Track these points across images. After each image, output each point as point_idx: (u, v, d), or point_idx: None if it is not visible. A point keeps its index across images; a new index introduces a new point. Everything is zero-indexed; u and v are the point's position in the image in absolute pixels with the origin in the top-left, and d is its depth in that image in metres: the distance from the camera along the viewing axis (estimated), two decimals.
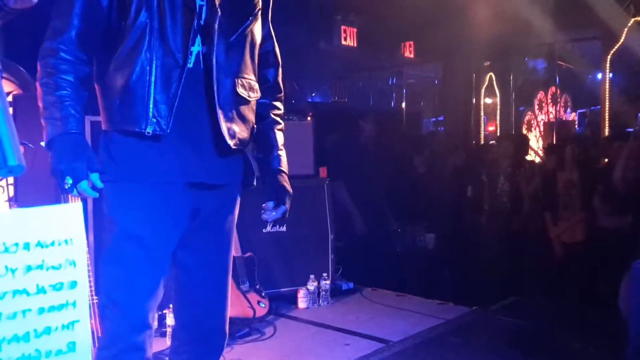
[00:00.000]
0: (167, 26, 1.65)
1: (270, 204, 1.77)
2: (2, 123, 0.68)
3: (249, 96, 1.77)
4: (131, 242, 1.58)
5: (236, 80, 1.73)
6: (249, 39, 1.79)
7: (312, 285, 3.64)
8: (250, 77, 1.79)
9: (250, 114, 1.79)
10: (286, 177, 1.85)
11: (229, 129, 1.69)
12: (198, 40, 1.69)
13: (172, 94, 1.62)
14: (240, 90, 1.74)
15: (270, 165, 1.86)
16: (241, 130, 1.74)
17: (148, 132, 1.60)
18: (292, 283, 3.69)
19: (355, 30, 6.26)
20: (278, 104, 1.94)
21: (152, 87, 1.62)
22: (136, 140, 1.62)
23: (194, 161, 1.66)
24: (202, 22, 1.69)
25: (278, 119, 1.94)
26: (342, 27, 6.19)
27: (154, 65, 1.62)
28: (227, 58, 1.71)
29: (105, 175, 1.54)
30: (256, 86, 1.82)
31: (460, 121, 7.42)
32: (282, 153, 1.88)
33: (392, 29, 6.37)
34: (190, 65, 1.66)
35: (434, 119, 8.17)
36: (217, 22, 1.68)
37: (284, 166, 1.86)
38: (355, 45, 6.27)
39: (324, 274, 3.69)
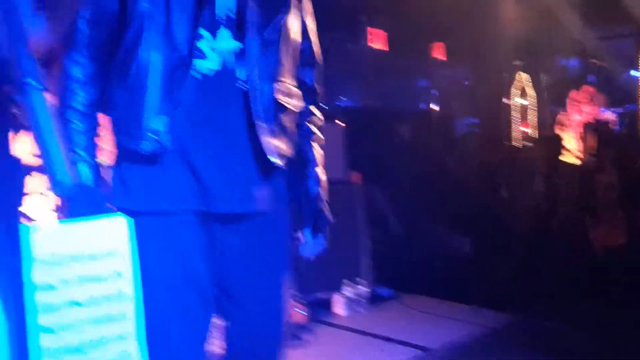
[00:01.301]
0: (173, 18, 1.38)
1: (307, 233, 1.58)
2: (51, 138, 0.67)
3: (288, 104, 1.53)
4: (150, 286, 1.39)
5: (275, 84, 1.49)
6: (286, 34, 1.54)
7: (348, 291, 3.62)
8: (290, 81, 1.55)
9: (291, 124, 1.55)
10: (325, 203, 1.63)
11: (270, 145, 1.45)
12: (225, 35, 1.43)
13: (176, 102, 1.36)
14: (279, 96, 1.49)
15: (306, 184, 1.63)
16: (286, 146, 1.50)
17: (145, 151, 1.36)
18: (327, 288, 3.66)
19: (383, 32, 6.21)
20: (315, 109, 1.69)
21: (151, 94, 1.36)
22: (139, 161, 1.38)
23: (213, 185, 1.40)
24: (231, 15, 1.44)
25: (314, 128, 1.68)
26: (369, 29, 6.15)
27: (153, 67, 1.37)
28: (264, 58, 1.46)
29: (115, 201, 1.39)
30: (297, 92, 1.58)
31: (492, 122, 7.32)
32: (320, 171, 1.64)
33: (421, 30, 6.30)
34: (217, 67, 1.41)
35: (466, 121, 8.06)
36: (249, 13, 1.43)
37: (323, 187, 1.63)
38: (383, 47, 6.23)
39: (360, 280, 3.67)
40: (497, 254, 4.33)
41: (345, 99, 6.51)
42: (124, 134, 1.38)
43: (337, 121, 4.16)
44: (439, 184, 5.05)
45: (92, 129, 1.42)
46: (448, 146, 5.64)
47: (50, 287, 1.38)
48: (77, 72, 1.41)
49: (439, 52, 7.09)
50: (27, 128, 0.98)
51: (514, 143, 7.38)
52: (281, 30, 1.53)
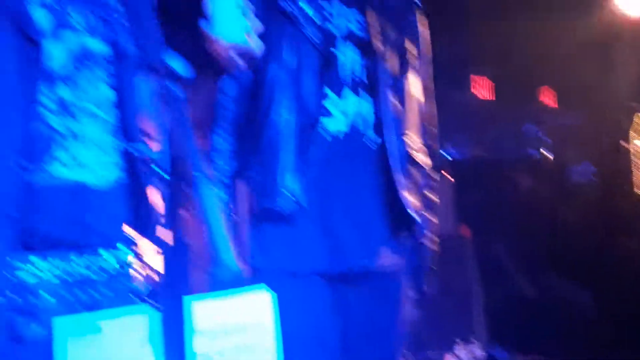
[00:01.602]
0: (302, 81, 1.45)
1: (418, 290, 1.57)
2: (219, 226, 0.71)
3: (418, 159, 1.55)
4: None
5: (406, 140, 1.52)
6: (410, 92, 1.59)
7: (460, 351, 3.48)
8: (417, 136, 1.58)
9: (419, 178, 1.56)
10: (436, 259, 1.62)
11: (408, 200, 1.46)
12: (352, 95, 1.49)
13: (310, 161, 1.41)
14: (412, 152, 1.52)
15: (419, 243, 1.60)
16: (417, 201, 1.51)
17: (283, 210, 1.40)
18: (439, 347, 3.55)
19: (488, 79, 6.14)
20: (434, 170, 1.67)
21: (285, 155, 1.41)
22: (276, 221, 1.42)
23: (347, 244, 1.43)
24: (356, 76, 1.50)
25: (431, 193, 1.67)
26: (474, 78, 6.10)
27: (286, 129, 1.43)
28: (394, 115, 1.51)
29: (251, 261, 1.41)
30: (424, 148, 1.60)
31: (611, 168, 6.93)
32: (434, 235, 1.64)
33: (528, 76, 6.16)
34: (346, 126, 1.46)
35: (581, 167, 7.70)
36: (380, 74, 1.50)
37: (434, 243, 1.63)
38: (489, 95, 6.14)
39: (473, 339, 3.52)
40: (625, 313, 4.01)
41: (451, 149, 6.43)
42: (261, 194, 1.43)
43: (444, 173, 4.10)
44: (555, 235, 4.81)
45: (237, 197, 1.47)
46: (563, 195, 5.37)
47: (208, 358, 1.41)
48: (223, 146, 1.49)
49: (548, 98, 6.88)
50: (196, 215, 1.05)
51: (636, 190, 6.93)
52: (407, 90, 1.59)
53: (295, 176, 1.40)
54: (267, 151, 1.42)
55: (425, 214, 1.64)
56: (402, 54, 1.62)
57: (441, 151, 6.38)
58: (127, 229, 1.31)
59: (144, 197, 1.29)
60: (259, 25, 1.12)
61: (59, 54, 1.18)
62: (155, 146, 0.88)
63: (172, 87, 0.82)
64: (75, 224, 1.19)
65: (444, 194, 3.96)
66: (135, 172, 1.28)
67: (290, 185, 1.39)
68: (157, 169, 0.86)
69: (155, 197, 1.28)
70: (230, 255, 1.20)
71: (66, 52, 1.19)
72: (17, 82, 1.12)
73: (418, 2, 1.70)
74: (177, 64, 0.82)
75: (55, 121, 1.17)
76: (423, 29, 1.74)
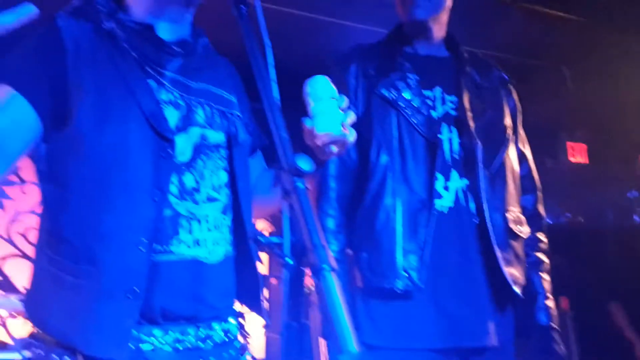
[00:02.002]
0: (409, 166, 1.53)
1: None
2: (342, 315, 0.75)
3: (520, 232, 1.58)
4: None
5: (506, 214, 1.56)
6: (508, 166, 1.64)
7: None
8: (517, 209, 1.62)
9: (522, 253, 1.59)
10: (558, 336, 1.61)
11: (511, 275, 1.48)
12: (454, 174, 1.55)
13: (421, 241, 1.46)
14: (512, 225, 1.55)
15: (536, 318, 1.62)
16: (520, 274, 1.53)
17: (399, 289, 1.44)
18: None
19: (584, 145, 5.96)
20: (542, 236, 1.73)
21: (399, 236, 1.47)
22: (390, 299, 1.47)
23: (457, 320, 1.46)
24: (455, 156, 1.56)
25: (543, 257, 1.71)
26: (569, 144, 5.94)
27: (398, 211, 1.49)
28: (492, 190, 1.56)
29: (362, 337, 1.44)
30: (524, 219, 1.64)
31: None
32: (551, 304, 1.65)
33: (626, 139, 5.94)
34: (451, 204, 1.52)
35: None
36: (478, 153, 1.56)
37: (555, 321, 1.63)
38: (585, 161, 5.95)
39: None
40: None
41: (545, 217, 6.24)
42: (377, 274, 1.48)
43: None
44: None
45: (346, 273, 1.55)
46: None
47: None
48: (330, 223, 1.58)
49: None
50: (316, 296, 1.10)
51: None
52: (505, 162, 1.63)
53: (409, 256, 1.45)
54: (383, 234, 1.48)
55: (541, 281, 1.62)
56: (498, 129, 1.66)
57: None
58: (237, 302, 1.39)
59: (254, 271, 1.37)
60: (353, 117, 1.20)
61: (184, 146, 1.29)
62: (274, 231, 0.95)
63: (296, 180, 0.89)
64: (192, 298, 1.25)
65: None
66: (245, 248, 1.36)
67: (405, 264, 1.45)
68: (279, 253, 0.92)
69: (262, 272, 1.34)
70: (350, 338, 1.24)
71: (190, 144, 1.30)
72: (150, 173, 1.22)
73: (506, 76, 1.75)
74: (303, 160, 0.89)
75: (180, 206, 1.26)
76: (516, 101, 1.77)
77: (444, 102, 1.62)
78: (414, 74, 1.64)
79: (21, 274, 4.53)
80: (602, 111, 5.22)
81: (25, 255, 4.62)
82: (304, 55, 3.73)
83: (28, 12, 0.83)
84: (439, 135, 1.58)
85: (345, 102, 1.21)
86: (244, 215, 1.36)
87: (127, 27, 1.29)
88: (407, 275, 1.45)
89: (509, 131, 1.71)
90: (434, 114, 1.60)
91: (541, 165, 6.20)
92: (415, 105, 1.58)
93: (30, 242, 4.59)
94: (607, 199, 7.91)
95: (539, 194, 1.78)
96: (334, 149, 1.23)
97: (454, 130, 1.60)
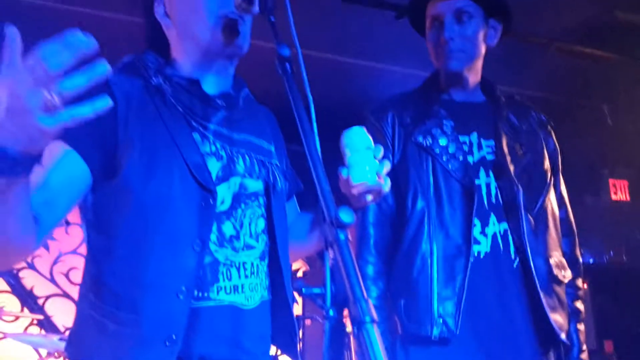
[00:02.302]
0: (445, 212, 1.54)
1: None
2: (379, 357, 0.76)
3: (563, 277, 1.57)
4: None
5: (549, 259, 1.55)
6: (549, 209, 1.64)
7: None
8: (559, 252, 1.61)
9: (565, 297, 1.57)
10: None
11: (556, 321, 1.47)
12: (492, 219, 1.55)
13: (458, 287, 1.46)
14: (556, 271, 1.54)
15: None
16: (564, 321, 1.51)
17: (435, 336, 1.44)
18: None
19: (626, 182, 5.84)
20: (579, 283, 1.70)
21: (435, 282, 1.48)
22: (428, 345, 1.47)
23: None
24: (493, 200, 1.57)
25: (580, 306, 1.66)
26: (611, 181, 5.84)
27: (435, 257, 1.50)
28: (535, 235, 1.55)
29: None
30: (566, 263, 1.62)
31: None
32: (585, 357, 1.60)
33: None
34: (487, 249, 1.51)
35: None
36: (520, 197, 1.55)
37: None
38: (627, 198, 5.83)
39: None
40: None
41: (588, 256, 6.08)
42: (414, 321, 1.49)
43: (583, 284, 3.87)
44: None
45: (385, 320, 1.55)
46: None
47: None
48: (369, 270, 1.59)
49: None
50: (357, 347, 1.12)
51: None
52: (546, 206, 1.63)
53: (445, 302, 1.45)
54: (420, 280, 1.49)
55: (577, 333, 1.59)
56: (538, 173, 1.66)
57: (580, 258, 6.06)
58: (273, 347, 1.39)
59: (289, 314, 1.38)
60: (389, 166, 1.22)
61: (225, 196, 1.32)
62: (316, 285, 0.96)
63: (338, 232, 0.90)
64: (229, 343, 1.27)
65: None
66: (282, 292, 1.38)
67: (441, 311, 1.44)
68: (320, 304, 0.93)
69: (297, 312, 1.34)
70: None
71: (230, 193, 1.34)
72: (193, 223, 1.26)
73: (545, 118, 1.74)
74: (345, 212, 0.90)
75: (219, 253, 1.29)
76: (555, 143, 1.76)
77: (480, 147, 1.63)
78: (449, 120, 1.66)
79: (62, 314, 4.61)
80: None
81: (67, 295, 4.71)
82: (343, 98, 3.78)
83: (98, 70, 0.85)
84: (476, 181, 1.58)
85: (380, 152, 1.23)
86: (281, 261, 1.39)
87: (174, 82, 1.35)
88: (442, 322, 1.45)
89: (549, 174, 1.70)
90: (470, 159, 1.61)
91: (583, 203, 6.10)
92: (451, 152, 1.59)
93: (72, 282, 4.68)
94: None
95: (576, 238, 1.75)
96: (369, 197, 1.25)
97: (492, 174, 1.60)
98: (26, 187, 1.00)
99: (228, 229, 1.31)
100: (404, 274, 1.55)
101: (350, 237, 0.87)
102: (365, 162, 1.21)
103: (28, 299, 4.61)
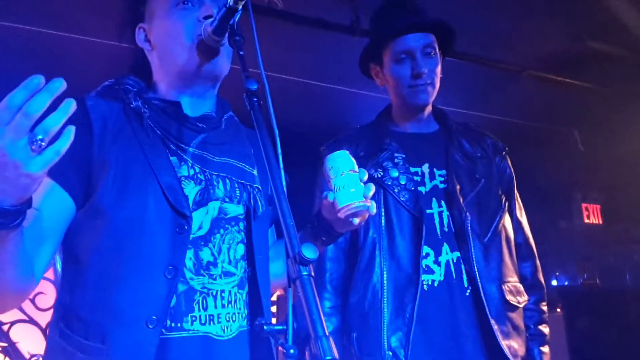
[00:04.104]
0: (396, 242, 1.53)
1: None
2: None
3: (518, 302, 1.57)
4: None
5: (502, 285, 1.55)
6: (503, 235, 1.64)
7: None
8: (514, 278, 1.61)
9: (521, 322, 1.57)
10: None
11: (509, 347, 1.46)
12: (445, 248, 1.54)
13: (407, 318, 1.45)
14: (509, 297, 1.54)
15: None
16: (519, 346, 1.51)
17: None
18: None
19: (598, 206, 5.94)
20: (543, 306, 1.71)
21: (386, 314, 1.47)
22: None
23: None
24: (446, 229, 1.56)
25: (544, 329, 1.67)
26: (584, 205, 5.93)
27: (385, 288, 1.50)
28: (486, 262, 1.55)
29: None
30: (522, 288, 1.62)
31: None
32: None
33: (639, 199, 5.91)
34: (441, 277, 1.51)
35: None
36: (468, 225, 1.55)
37: None
38: (600, 222, 5.92)
39: None
40: None
41: (562, 279, 6.14)
42: (366, 353, 1.48)
43: (557, 310, 3.92)
44: None
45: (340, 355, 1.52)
46: None
47: None
48: (324, 305, 1.58)
49: None
50: None
51: None
52: (499, 232, 1.63)
53: (396, 333, 1.44)
54: (370, 313, 1.48)
55: (540, 356, 1.60)
56: (492, 199, 1.67)
57: (554, 280, 6.11)
58: None
59: (268, 345, 1.34)
60: (374, 189, 1.23)
61: (202, 221, 1.30)
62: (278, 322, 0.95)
63: (301, 269, 0.89)
64: None
65: (555, 330, 3.76)
66: (257, 323, 1.35)
67: (392, 343, 1.44)
68: (282, 342, 0.92)
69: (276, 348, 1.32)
70: None
71: (209, 218, 1.31)
72: (166, 249, 1.23)
73: (501, 145, 1.76)
74: (309, 249, 0.89)
75: (195, 281, 1.26)
76: (511, 168, 1.78)
77: (433, 177, 1.65)
78: (400, 152, 1.67)
79: (28, 340, 4.48)
80: (615, 172, 5.23)
81: (32, 321, 4.58)
82: (313, 121, 3.81)
83: (69, 105, 0.87)
84: (427, 211, 1.58)
85: (365, 175, 1.24)
86: (260, 289, 1.35)
87: (154, 105, 1.34)
88: (392, 354, 1.44)
89: (504, 199, 1.70)
90: (422, 189, 1.63)
91: (556, 227, 6.17)
92: (402, 183, 1.61)
93: (38, 308, 4.55)
94: (623, 259, 7.80)
95: (537, 262, 1.75)
96: (356, 221, 1.24)
97: (444, 203, 1.60)
98: (21, 233, 1.01)
99: (205, 255, 1.28)
100: (356, 306, 1.54)
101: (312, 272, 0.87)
102: (351, 185, 1.21)
103: None
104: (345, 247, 1.64)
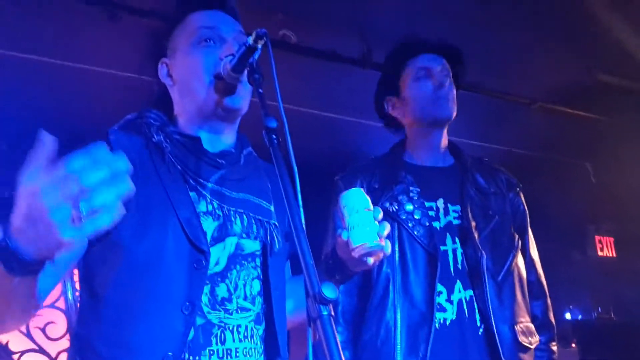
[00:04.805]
0: (410, 278, 1.52)
1: None
2: None
3: (530, 344, 1.54)
4: None
5: (515, 327, 1.53)
6: (515, 273, 1.62)
7: None
8: (526, 319, 1.58)
9: None
10: None
11: None
12: (458, 286, 1.53)
13: (421, 357, 1.43)
14: (521, 338, 1.52)
15: None
16: None
17: None
18: None
19: (612, 239, 5.88)
20: (553, 346, 1.66)
21: (399, 352, 1.45)
22: None
23: None
24: (459, 267, 1.54)
25: None
26: (597, 237, 5.87)
27: (398, 326, 1.48)
28: (500, 301, 1.53)
29: None
30: (533, 328, 1.60)
31: None
32: None
33: None
34: (453, 316, 1.49)
35: None
36: (484, 263, 1.53)
37: None
38: (613, 254, 5.85)
39: None
40: None
41: (576, 312, 6.05)
42: None
43: (572, 345, 3.86)
44: None
45: None
46: None
47: None
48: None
49: None
50: None
51: None
52: (512, 271, 1.60)
53: None
54: (383, 349, 1.47)
55: None
56: (505, 236, 1.65)
57: (568, 314, 6.02)
58: None
59: None
60: (389, 228, 1.22)
61: (219, 257, 1.30)
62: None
63: (321, 308, 0.89)
64: None
65: None
66: (276, 358, 1.33)
67: None
68: None
69: None
70: None
71: (226, 254, 1.31)
72: (183, 284, 1.23)
73: (514, 180, 1.74)
74: (328, 288, 0.89)
75: (212, 315, 1.26)
76: (524, 205, 1.75)
77: (447, 212, 1.63)
78: (415, 186, 1.65)
79: None
80: (628, 204, 5.20)
81: (42, 351, 4.56)
82: (323, 151, 3.83)
83: (125, 188, 0.86)
84: (441, 247, 1.56)
85: (380, 213, 1.23)
86: (276, 325, 1.34)
87: (175, 140, 1.35)
88: None
89: (517, 238, 1.69)
90: (436, 224, 1.60)
91: (570, 259, 6.10)
92: (417, 217, 1.59)
93: (49, 337, 4.53)
94: (638, 292, 7.68)
95: (548, 301, 1.72)
96: (370, 260, 1.23)
97: (458, 240, 1.59)
98: (37, 278, 1.00)
99: (221, 291, 1.28)
100: (369, 343, 1.52)
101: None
102: (365, 224, 1.20)
103: (3, 354, 4.47)
104: (358, 281, 1.62)
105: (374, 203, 1.58)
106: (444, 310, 1.51)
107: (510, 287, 1.58)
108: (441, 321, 1.49)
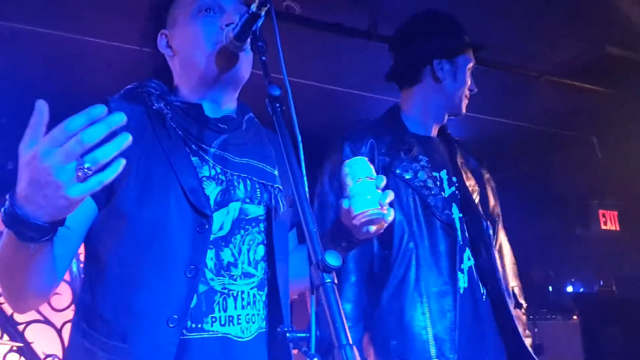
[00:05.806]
0: (430, 249, 1.53)
1: None
2: None
3: (524, 302, 1.66)
4: None
5: (514, 289, 1.63)
6: (503, 241, 1.72)
7: None
8: (516, 282, 1.70)
9: (525, 319, 1.65)
10: None
11: (530, 347, 1.51)
12: (467, 254, 1.56)
13: (449, 326, 1.46)
14: (521, 300, 1.64)
15: None
16: (530, 342, 1.57)
17: None
18: None
19: (616, 213, 5.89)
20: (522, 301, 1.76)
21: (429, 322, 1.47)
22: None
23: None
24: (467, 235, 1.58)
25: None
26: (601, 212, 5.88)
27: (424, 297, 1.49)
28: (502, 267, 1.60)
29: None
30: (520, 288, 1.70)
31: None
32: None
33: None
34: (465, 284, 1.52)
35: None
36: (490, 231, 1.59)
37: None
38: (617, 228, 5.87)
39: None
40: None
41: (578, 285, 6.09)
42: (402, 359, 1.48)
43: (574, 317, 3.89)
44: None
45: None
46: None
47: None
48: (345, 309, 1.56)
49: None
50: None
51: None
52: (501, 240, 1.71)
53: (441, 343, 1.45)
54: (409, 319, 1.48)
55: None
56: (490, 208, 1.72)
57: (570, 287, 6.05)
58: None
59: (287, 347, 1.34)
60: (392, 195, 1.22)
61: (223, 221, 1.30)
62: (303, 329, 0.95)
63: (324, 276, 0.89)
64: None
65: (570, 337, 3.73)
66: (280, 323, 1.32)
67: (438, 353, 1.44)
68: (305, 349, 0.92)
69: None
70: None
71: (230, 219, 1.31)
72: (187, 249, 1.23)
73: (483, 162, 1.78)
74: (332, 256, 0.89)
75: (215, 282, 1.27)
76: (493, 182, 1.80)
77: (451, 183, 1.64)
78: (424, 156, 1.65)
79: (43, 341, 4.53)
80: (632, 178, 5.18)
81: (48, 322, 4.63)
82: (327, 124, 3.82)
83: (124, 140, 0.91)
84: (452, 217, 1.59)
85: (383, 181, 1.23)
86: (279, 291, 1.35)
87: (175, 107, 1.35)
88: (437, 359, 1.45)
89: (498, 209, 1.75)
90: (444, 195, 1.62)
91: (573, 234, 6.11)
92: (430, 186, 1.60)
93: (54, 308, 4.59)
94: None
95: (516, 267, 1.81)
96: (372, 228, 1.24)
97: (460, 210, 1.62)
98: (52, 245, 1.04)
99: (226, 255, 1.29)
100: (394, 315, 1.52)
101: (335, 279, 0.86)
102: (367, 192, 1.20)
103: (8, 326, 4.53)
104: (369, 248, 1.61)
105: (386, 168, 1.59)
106: (460, 278, 1.55)
107: (500, 253, 1.67)
108: (460, 289, 1.53)
